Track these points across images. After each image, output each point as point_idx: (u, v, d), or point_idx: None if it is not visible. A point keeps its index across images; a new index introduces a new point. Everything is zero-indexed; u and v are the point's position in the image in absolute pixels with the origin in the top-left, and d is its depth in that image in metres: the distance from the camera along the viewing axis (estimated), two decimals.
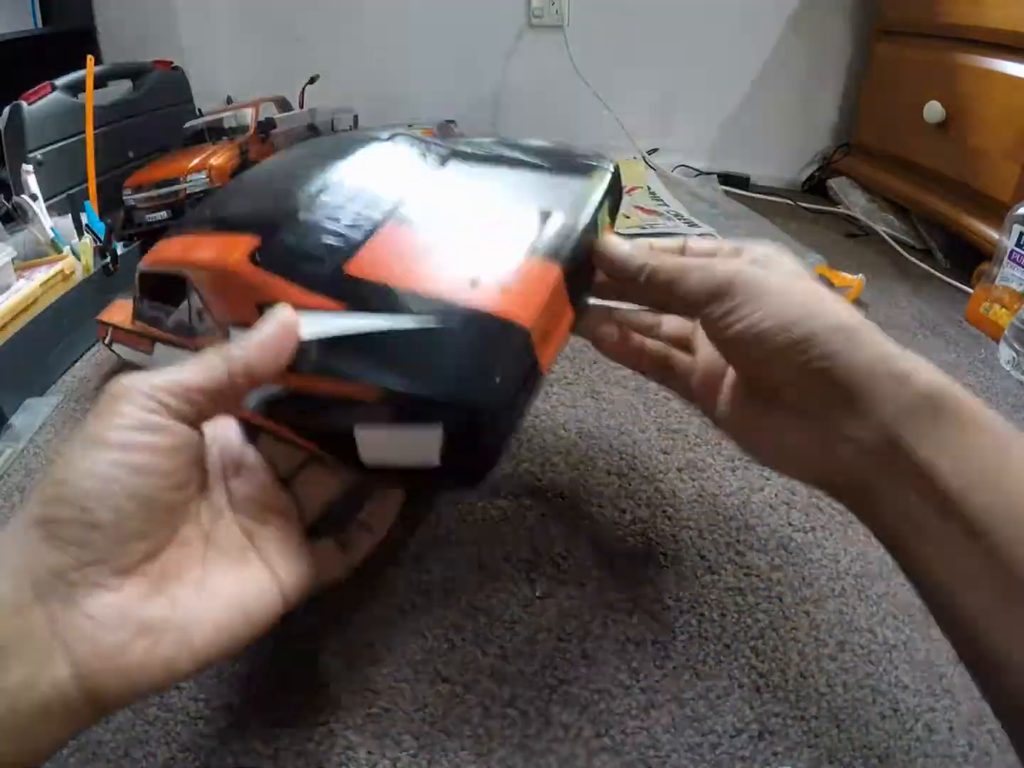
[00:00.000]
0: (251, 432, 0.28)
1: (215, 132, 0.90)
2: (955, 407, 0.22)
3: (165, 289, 0.38)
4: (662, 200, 0.93)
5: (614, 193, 0.35)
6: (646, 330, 0.34)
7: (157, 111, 0.96)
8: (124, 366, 0.59)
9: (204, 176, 0.80)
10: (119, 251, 0.70)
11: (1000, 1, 0.70)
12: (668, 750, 0.28)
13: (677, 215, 0.87)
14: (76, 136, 0.78)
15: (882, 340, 0.23)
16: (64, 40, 1.07)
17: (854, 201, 0.96)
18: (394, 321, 0.24)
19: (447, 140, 0.39)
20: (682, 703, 0.30)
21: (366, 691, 0.31)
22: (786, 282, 0.25)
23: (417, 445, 0.24)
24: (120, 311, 0.52)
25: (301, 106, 1.07)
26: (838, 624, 0.34)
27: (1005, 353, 0.58)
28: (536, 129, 1.09)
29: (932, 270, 0.77)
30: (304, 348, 0.24)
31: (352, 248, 0.27)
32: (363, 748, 0.29)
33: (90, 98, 0.76)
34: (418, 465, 0.25)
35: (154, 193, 0.79)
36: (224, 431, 0.27)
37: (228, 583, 0.23)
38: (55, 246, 0.67)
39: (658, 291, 0.28)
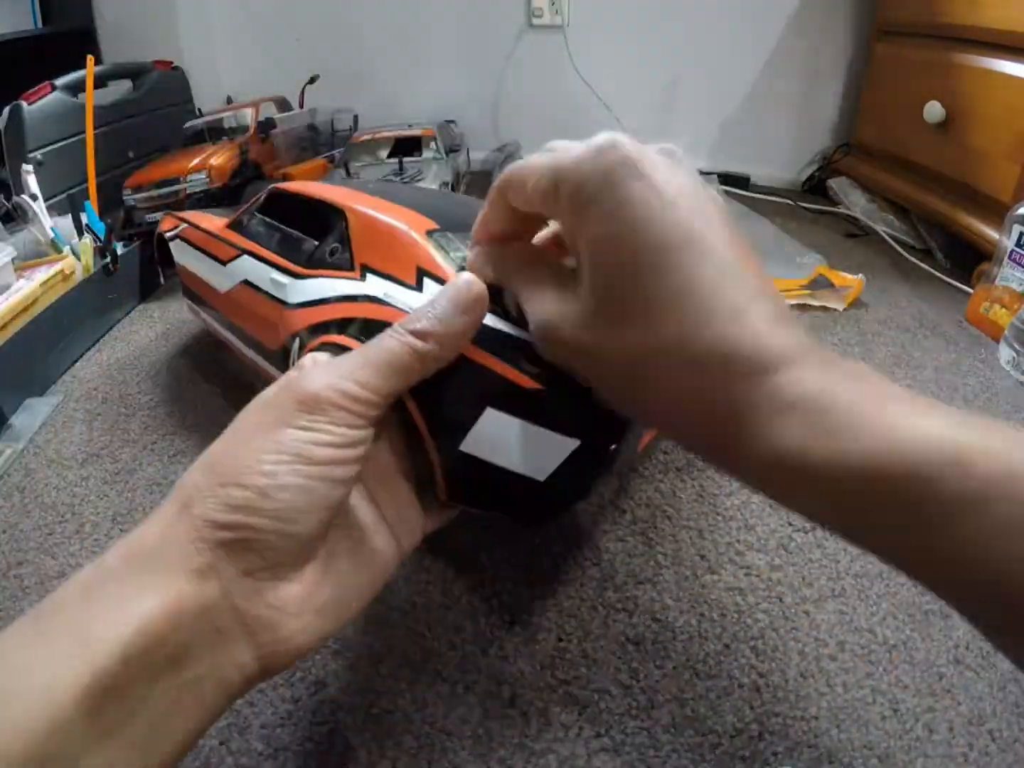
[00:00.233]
0: None
1: (215, 132, 0.91)
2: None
3: (290, 213, 0.41)
4: None
5: None
6: None
7: (157, 111, 0.96)
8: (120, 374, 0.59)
9: (204, 176, 0.80)
10: (119, 251, 0.70)
11: (999, 1, 0.70)
12: (668, 750, 0.28)
13: None
14: (76, 136, 0.78)
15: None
16: (64, 40, 1.08)
17: (854, 201, 0.96)
18: None
19: None
20: (682, 703, 0.30)
21: (366, 691, 0.31)
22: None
23: (540, 452, 0.25)
24: (196, 216, 0.52)
25: (301, 106, 1.07)
26: (838, 624, 0.34)
27: (1005, 353, 0.58)
28: (536, 129, 1.10)
29: (932, 270, 0.77)
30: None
31: None
32: (363, 748, 0.29)
33: (90, 98, 0.76)
34: (522, 472, 0.25)
35: (154, 193, 0.79)
36: None
37: (368, 549, 0.24)
38: (55, 246, 0.67)
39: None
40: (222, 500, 0.20)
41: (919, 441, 0.16)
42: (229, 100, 1.18)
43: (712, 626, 0.34)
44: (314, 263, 0.35)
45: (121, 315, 0.70)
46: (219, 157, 0.82)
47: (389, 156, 0.92)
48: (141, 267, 0.73)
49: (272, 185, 0.44)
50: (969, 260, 0.73)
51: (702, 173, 1.09)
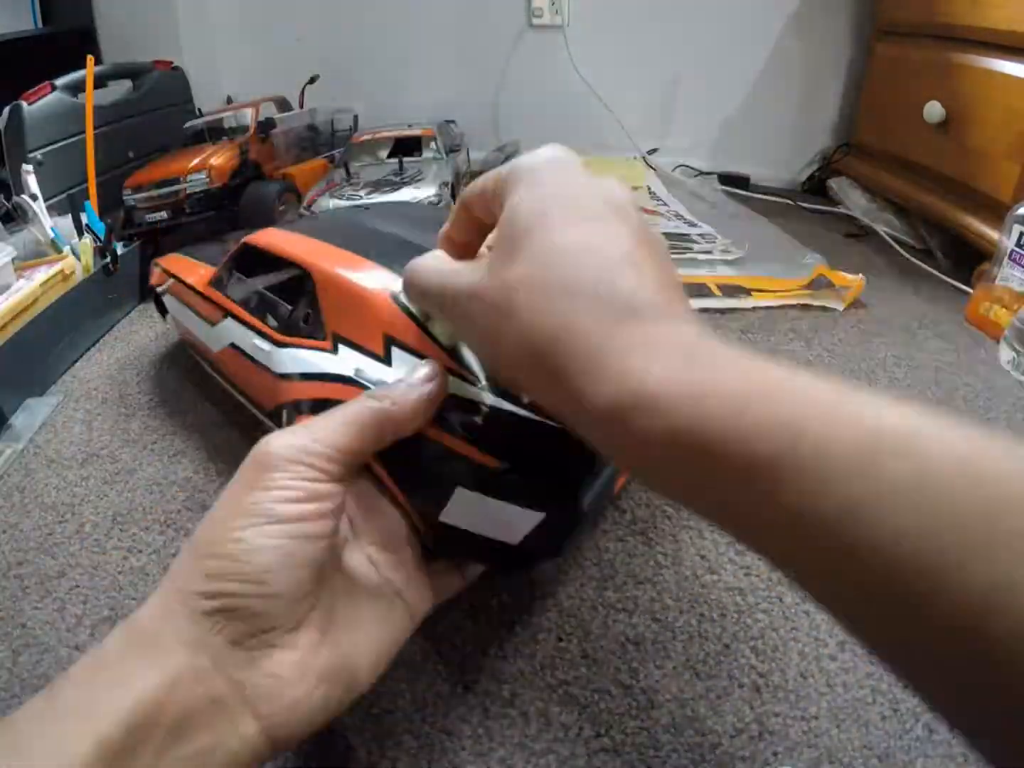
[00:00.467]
0: None
1: (215, 132, 0.90)
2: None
3: (264, 268, 0.39)
4: (662, 200, 0.93)
5: None
6: None
7: (157, 111, 0.96)
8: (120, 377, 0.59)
9: (204, 176, 0.80)
10: (119, 251, 0.70)
11: (1000, 1, 0.70)
12: (668, 750, 0.28)
13: (677, 215, 0.87)
14: (76, 136, 0.78)
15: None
16: (64, 40, 1.07)
17: (854, 201, 0.96)
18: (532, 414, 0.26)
19: None
20: (682, 703, 0.30)
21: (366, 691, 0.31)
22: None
23: (511, 522, 0.27)
24: (182, 266, 0.51)
25: (301, 106, 1.07)
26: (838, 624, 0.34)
27: (1005, 353, 0.58)
28: (536, 129, 1.10)
29: (932, 270, 0.77)
30: (444, 405, 0.26)
31: None
32: (363, 748, 0.29)
33: (90, 98, 0.76)
34: (496, 539, 0.27)
35: (154, 193, 0.79)
36: None
37: (373, 617, 0.24)
38: (55, 246, 0.67)
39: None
40: (202, 571, 0.20)
41: (798, 391, 0.15)
42: (229, 100, 1.18)
43: (712, 626, 0.34)
44: (290, 329, 0.35)
45: (121, 315, 0.70)
46: (219, 157, 0.82)
47: (389, 156, 0.92)
48: (141, 267, 0.73)
49: (244, 239, 0.42)
50: (969, 260, 0.73)
51: (702, 173, 1.10)
